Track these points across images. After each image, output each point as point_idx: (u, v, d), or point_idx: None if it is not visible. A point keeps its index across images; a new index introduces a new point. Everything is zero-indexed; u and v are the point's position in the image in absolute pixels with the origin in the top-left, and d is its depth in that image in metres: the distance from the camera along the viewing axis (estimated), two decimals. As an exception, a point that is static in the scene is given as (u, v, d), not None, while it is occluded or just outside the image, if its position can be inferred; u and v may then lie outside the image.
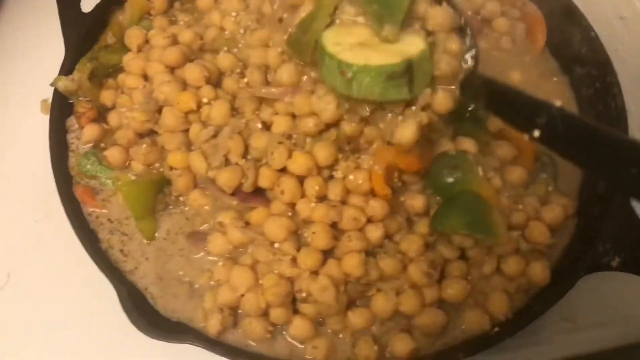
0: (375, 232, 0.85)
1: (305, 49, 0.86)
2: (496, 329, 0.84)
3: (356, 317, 0.83)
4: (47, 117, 1.04)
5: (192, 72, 0.93)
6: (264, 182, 0.88)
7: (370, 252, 0.85)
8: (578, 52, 1.04)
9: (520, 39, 1.10)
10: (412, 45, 0.85)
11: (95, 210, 0.94)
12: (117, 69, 1.03)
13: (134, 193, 0.90)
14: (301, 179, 0.87)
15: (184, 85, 0.94)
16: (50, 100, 1.08)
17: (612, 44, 1.14)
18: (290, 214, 0.87)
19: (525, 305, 0.87)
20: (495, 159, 0.92)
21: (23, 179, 1.11)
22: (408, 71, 0.81)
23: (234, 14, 1.01)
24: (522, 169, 0.93)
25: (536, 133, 0.70)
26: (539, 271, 0.87)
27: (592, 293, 0.97)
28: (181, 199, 0.93)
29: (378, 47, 0.84)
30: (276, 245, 0.85)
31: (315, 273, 0.83)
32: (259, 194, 0.90)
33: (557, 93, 1.05)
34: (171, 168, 0.92)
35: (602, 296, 0.99)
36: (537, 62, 1.08)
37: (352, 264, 0.82)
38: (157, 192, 0.92)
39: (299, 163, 0.86)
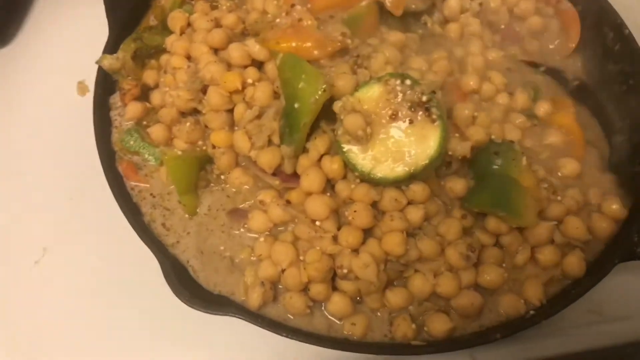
0: (416, 214, 0.86)
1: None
2: (531, 312, 0.86)
3: (394, 296, 0.85)
4: (84, 99, 1.07)
5: (236, 51, 0.95)
6: (302, 169, 0.90)
7: (409, 234, 0.86)
8: (611, 49, 1.06)
9: (553, 36, 1.12)
10: (427, 144, 0.84)
11: (138, 184, 0.96)
12: (159, 50, 1.05)
13: (180, 167, 0.92)
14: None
15: (229, 66, 0.96)
16: (87, 82, 1.11)
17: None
18: (329, 194, 0.89)
19: (560, 290, 0.88)
20: (545, 149, 0.94)
21: (59, 157, 1.13)
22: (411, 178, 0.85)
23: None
24: (573, 161, 0.95)
25: None
26: (575, 264, 0.88)
27: (620, 286, 0.98)
28: (223, 177, 0.95)
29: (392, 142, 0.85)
30: (317, 223, 0.87)
31: (355, 251, 0.84)
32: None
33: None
34: (214, 146, 0.94)
35: (629, 289, 1.00)
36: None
37: (393, 241, 0.83)
38: (200, 169, 0.94)
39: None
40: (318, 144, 0.88)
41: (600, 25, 1.08)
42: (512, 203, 0.85)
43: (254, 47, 0.95)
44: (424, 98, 0.85)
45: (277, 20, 0.98)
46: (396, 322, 0.84)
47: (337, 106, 0.86)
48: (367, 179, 0.86)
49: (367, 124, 0.84)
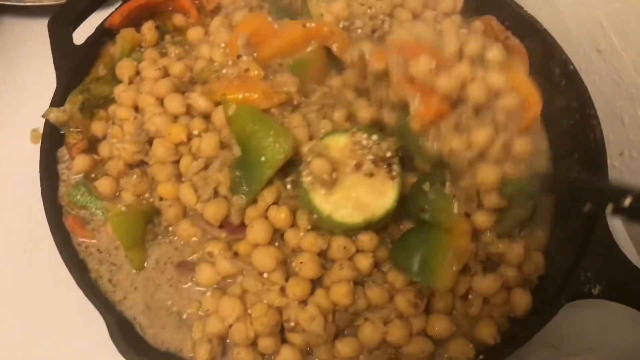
0: (365, 261, 0.86)
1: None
2: (481, 356, 0.85)
3: (344, 347, 0.84)
4: (37, 147, 1.06)
5: (174, 102, 0.96)
6: (249, 220, 0.89)
7: (357, 282, 0.86)
8: (557, 84, 1.07)
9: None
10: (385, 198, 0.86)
11: (85, 240, 0.95)
12: (108, 100, 1.05)
13: (124, 223, 0.91)
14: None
15: (175, 117, 0.96)
16: (40, 130, 1.10)
17: (590, 76, 1.18)
18: (277, 244, 0.88)
19: (510, 332, 0.88)
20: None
21: (12, 209, 1.11)
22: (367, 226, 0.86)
23: (222, 45, 1.03)
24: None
25: None
26: (521, 299, 0.88)
27: (575, 320, 0.99)
28: (170, 229, 0.94)
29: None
30: (265, 275, 0.86)
31: (303, 302, 0.84)
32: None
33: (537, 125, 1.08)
34: (161, 198, 0.93)
35: (585, 323, 1.01)
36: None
37: (340, 292, 0.83)
38: (146, 222, 0.93)
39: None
40: (266, 195, 0.88)
41: (547, 60, 1.09)
42: (431, 268, 0.83)
43: (198, 101, 0.94)
44: (388, 154, 0.87)
45: (224, 70, 0.98)
46: (347, 373, 0.84)
47: (304, 149, 0.87)
48: (324, 222, 0.86)
49: (333, 169, 0.85)
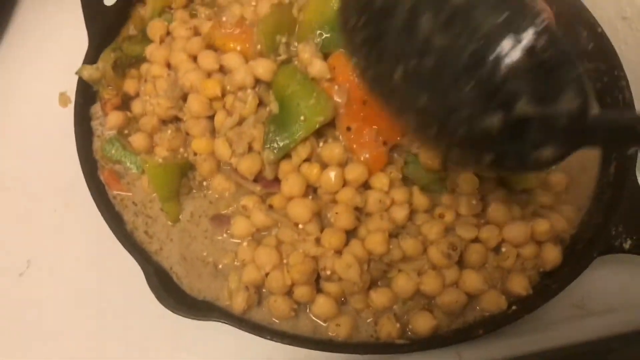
0: (401, 213, 0.87)
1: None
2: (514, 307, 0.87)
3: (379, 296, 0.85)
4: (67, 108, 1.07)
5: (207, 58, 0.96)
6: (283, 175, 0.90)
7: (392, 234, 0.87)
8: (585, 47, 1.08)
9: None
10: None
11: (120, 193, 0.96)
12: (139, 60, 1.05)
13: (161, 175, 0.92)
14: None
15: (208, 74, 0.96)
16: (68, 93, 1.11)
17: (616, 44, 1.18)
18: (311, 197, 0.89)
19: (541, 285, 0.89)
20: None
21: (42, 169, 1.12)
22: None
23: (253, 3, 1.03)
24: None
25: None
26: (551, 253, 0.89)
27: (602, 279, 0.99)
28: (205, 183, 0.95)
29: None
30: (300, 226, 0.87)
31: (339, 253, 0.85)
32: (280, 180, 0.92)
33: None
34: (195, 153, 0.94)
35: (611, 282, 1.01)
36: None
37: (375, 241, 0.84)
38: (181, 176, 0.94)
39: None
40: (300, 151, 0.89)
41: (574, 24, 1.09)
42: None
43: (232, 59, 0.94)
44: None
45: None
46: (381, 321, 0.85)
47: None
48: None
49: None
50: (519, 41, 0.56)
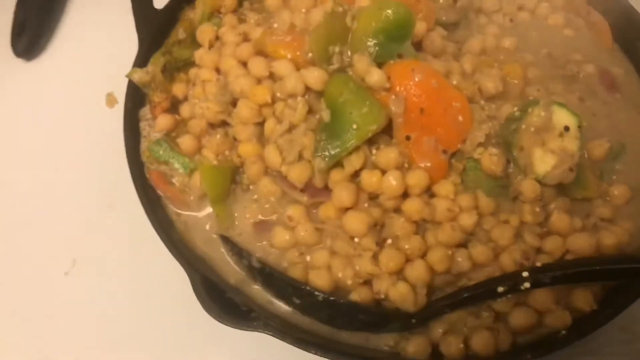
0: (469, 220, 0.85)
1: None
2: (563, 332, 0.84)
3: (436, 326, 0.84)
4: (113, 109, 1.07)
5: (258, 64, 0.95)
6: (333, 183, 0.89)
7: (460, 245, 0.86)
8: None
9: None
10: None
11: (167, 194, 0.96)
12: (188, 64, 1.05)
13: (214, 176, 0.92)
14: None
15: (258, 80, 0.96)
16: (115, 94, 1.11)
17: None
18: (366, 204, 0.88)
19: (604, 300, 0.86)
20: None
21: (90, 168, 1.14)
22: None
23: (303, 10, 1.03)
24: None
25: None
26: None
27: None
28: (251, 187, 0.94)
29: None
30: (356, 239, 0.86)
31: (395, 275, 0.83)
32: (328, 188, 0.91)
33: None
34: (239, 156, 0.94)
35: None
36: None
37: (437, 257, 0.83)
38: (232, 179, 0.94)
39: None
40: (353, 160, 0.88)
41: (630, 37, 1.06)
42: None
43: (282, 66, 0.93)
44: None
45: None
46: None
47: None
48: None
49: None
50: None
